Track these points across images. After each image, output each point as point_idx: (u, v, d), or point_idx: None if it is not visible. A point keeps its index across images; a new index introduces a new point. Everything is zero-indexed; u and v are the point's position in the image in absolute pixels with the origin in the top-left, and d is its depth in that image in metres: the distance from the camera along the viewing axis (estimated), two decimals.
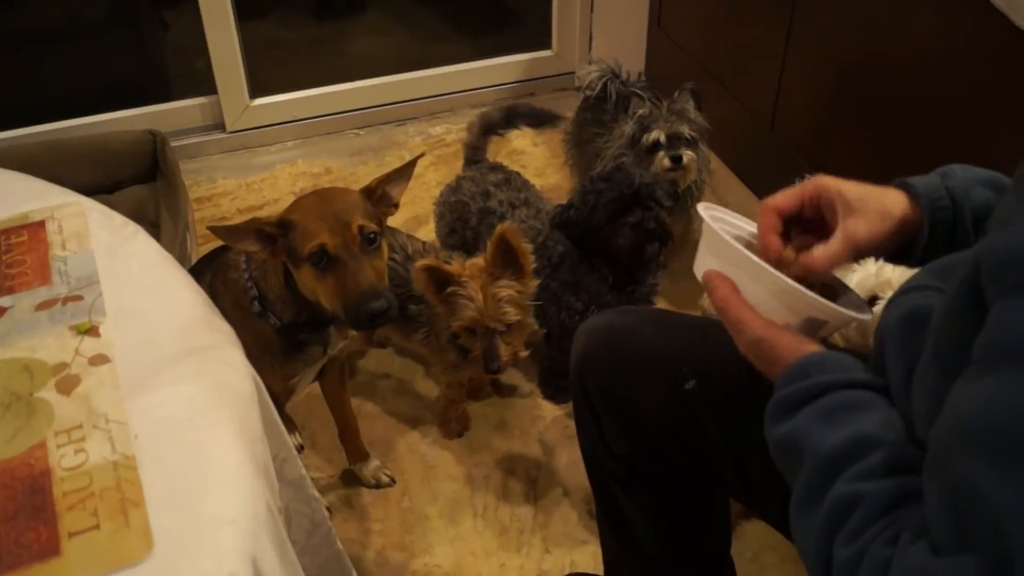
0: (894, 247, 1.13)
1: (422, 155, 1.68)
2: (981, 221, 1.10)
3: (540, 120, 2.55)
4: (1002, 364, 0.72)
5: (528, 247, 1.83)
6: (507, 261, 1.82)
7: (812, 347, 1.04)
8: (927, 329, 0.90)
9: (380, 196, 1.58)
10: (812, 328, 1.08)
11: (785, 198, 1.14)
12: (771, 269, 1.08)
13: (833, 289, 1.17)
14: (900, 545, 0.80)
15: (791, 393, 0.99)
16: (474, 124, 2.46)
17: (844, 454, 0.91)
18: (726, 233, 1.13)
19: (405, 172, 1.61)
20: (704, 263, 1.14)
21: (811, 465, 0.93)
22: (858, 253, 1.12)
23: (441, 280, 1.81)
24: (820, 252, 1.11)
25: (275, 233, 1.49)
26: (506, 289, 1.81)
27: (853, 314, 1.11)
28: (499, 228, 1.80)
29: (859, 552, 0.83)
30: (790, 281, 1.07)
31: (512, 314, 1.83)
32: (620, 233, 2.04)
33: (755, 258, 1.08)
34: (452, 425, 2.22)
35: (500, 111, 2.47)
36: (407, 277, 1.97)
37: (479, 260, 1.83)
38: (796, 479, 0.95)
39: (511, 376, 2.38)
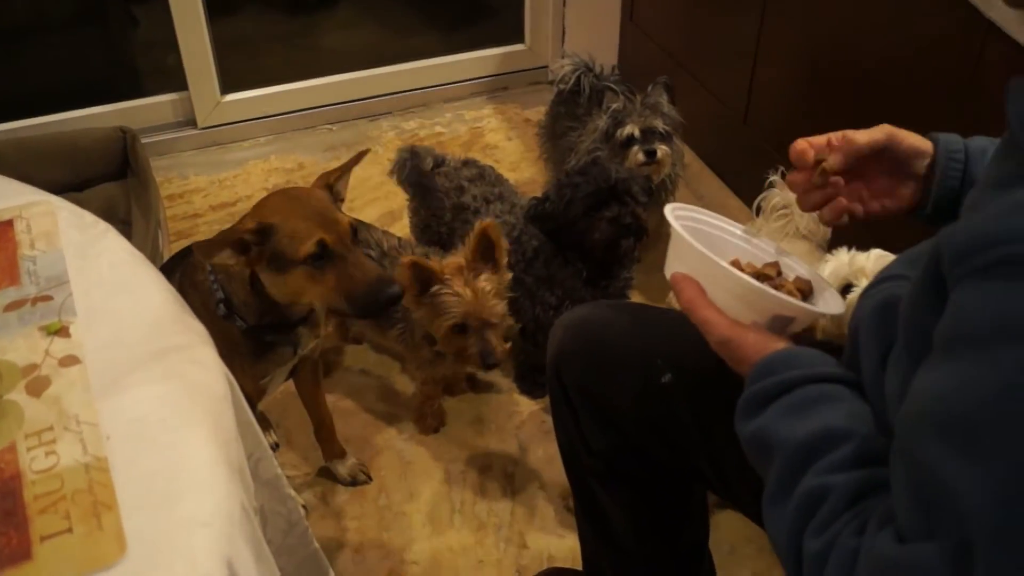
0: (914, 189, 1.19)
1: (367, 151, 1.69)
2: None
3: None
4: (960, 350, 0.73)
5: (506, 243, 1.84)
6: (485, 256, 1.83)
7: (778, 344, 1.06)
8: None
9: (335, 192, 1.59)
10: (780, 325, 1.10)
11: (814, 137, 1.19)
12: (733, 270, 1.10)
13: (807, 286, 1.19)
14: (867, 534, 0.81)
15: (759, 390, 1.01)
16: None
17: (812, 448, 0.93)
18: (695, 232, 1.16)
19: (350, 167, 1.62)
20: (672, 266, 1.17)
21: (780, 460, 0.95)
22: (894, 147, 1.17)
23: (424, 279, 1.81)
24: (859, 132, 1.17)
25: (253, 241, 1.47)
26: (489, 283, 1.82)
27: (818, 309, 1.13)
28: (480, 224, 1.81)
29: (828, 543, 0.85)
30: (753, 280, 1.10)
31: (501, 307, 1.84)
32: (596, 227, 2.05)
33: (718, 260, 1.10)
34: (428, 421, 2.22)
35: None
36: None
37: (457, 258, 1.83)
38: (768, 474, 0.96)
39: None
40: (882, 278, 1.08)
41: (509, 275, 1.89)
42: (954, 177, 1.15)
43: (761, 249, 1.27)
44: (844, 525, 0.85)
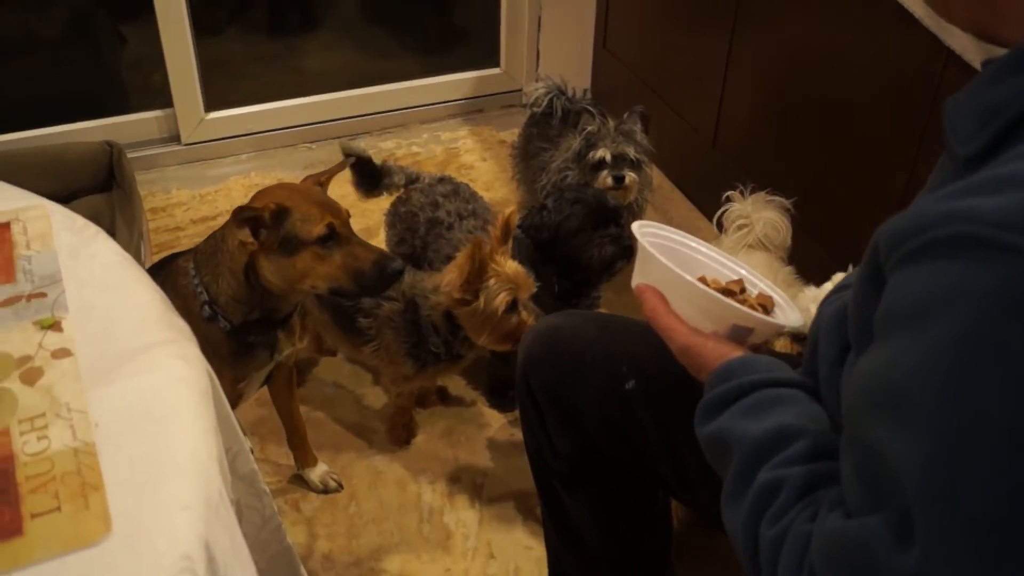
0: None
1: (352, 158, 1.78)
2: None
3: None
4: (891, 329, 0.77)
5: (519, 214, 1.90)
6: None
7: (736, 352, 1.09)
8: None
9: None
10: (741, 336, 1.13)
11: None
12: (695, 282, 1.14)
13: (769, 302, 1.23)
14: (819, 518, 0.84)
15: (718, 394, 1.04)
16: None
17: (767, 445, 0.96)
18: (662, 248, 1.20)
19: (336, 171, 1.71)
20: (638, 278, 1.21)
21: (738, 457, 0.97)
22: None
23: (480, 267, 1.83)
24: None
25: (267, 222, 1.54)
26: (518, 264, 1.86)
27: (775, 320, 1.17)
28: (504, 212, 1.86)
29: (783, 530, 0.88)
30: (713, 292, 1.14)
31: (532, 282, 1.87)
32: (599, 244, 2.10)
33: (680, 272, 1.14)
34: (399, 432, 2.25)
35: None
36: None
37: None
38: (726, 473, 0.99)
39: (456, 385, 2.42)
40: (842, 286, 1.12)
41: None
42: None
43: (727, 267, 1.31)
44: (798, 513, 0.88)
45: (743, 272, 1.30)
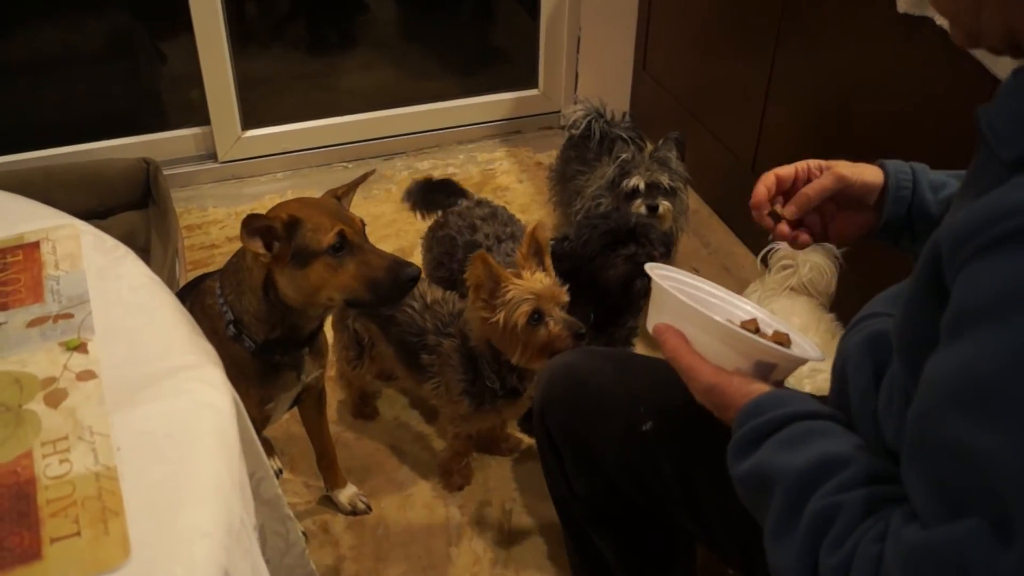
0: (869, 216, 1.23)
1: (372, 172, 1.77)
2: (937, 191, 1.20)
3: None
4: (968, 327, 0.75)
5: (551, 242, 1.87)
6: (536, 261, 1.84)
7: (762, 388, 1.07)
8: (890, 344, 0.93)
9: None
10: (763, 372, 1.11)
11: (782, 168, 1.24)
12: (717, 318, 1.12)
13: (785, 339, 1.20)
14: (891, 532, 0.81)
15: (750, 430, 1.01)
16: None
17: (814, 475, 0.93)
18: (676, 290, 1.18)
19: (356, 184, 1.71)
20: (654, 318, 1.19)
21: (781, 491, 0.94)
22: (846, 189, 1.22)
23: (492, 280, 1.81)
24: (810, 185, 1.21)
25: (280, 234, 1.54)
26: (547, 277, 1.83)
27: (800, 355, 1.14)
28: (530, 226, 1.84)
29: (847, 554, 0.85)
30: (736, 327, 1.12)
31: (565, 293, 1.83)
32: (612, 264, 2.07)
33: (701, 309, 1.12)
34: (455, 478, 2.20)
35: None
36: (424, 326, 1.99)
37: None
38: (767, 511, 0.96)
39: None
40: (863, 316, 1.09)
41: (555, 276, 1.87)
42: (903, 199, 1.20)
43: (739, 307, 1.30)
44: (861, 535, 0.85)
45: (756, 312, 1.29)
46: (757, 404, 1.04)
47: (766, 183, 1.24)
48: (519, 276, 1.81)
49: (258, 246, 1.53)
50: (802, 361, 1.15)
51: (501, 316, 1.80)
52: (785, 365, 1.14)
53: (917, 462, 0.80)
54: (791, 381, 1.24)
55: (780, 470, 0.96)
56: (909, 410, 0.82)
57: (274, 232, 1.53)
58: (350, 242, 1.57)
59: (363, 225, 1.62)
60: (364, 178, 1.73)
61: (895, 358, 0.90)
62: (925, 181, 1.21)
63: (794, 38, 2.55)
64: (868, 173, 1.23)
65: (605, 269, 2.09)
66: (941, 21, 1.87)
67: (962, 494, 0.74)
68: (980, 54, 1.84)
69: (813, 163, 1.24)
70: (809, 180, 1.23)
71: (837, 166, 1.22)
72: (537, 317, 1.80)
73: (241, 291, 1.63)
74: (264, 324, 1.64)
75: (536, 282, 1.80)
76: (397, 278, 1.58)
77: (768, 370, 1.12)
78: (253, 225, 1.51)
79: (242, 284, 1.62)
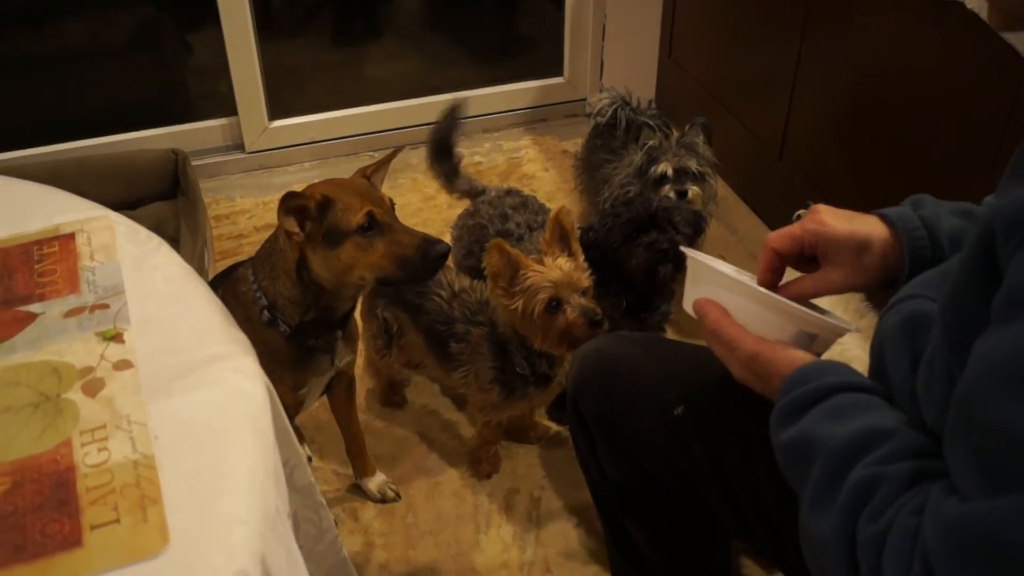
0: (879, 276, 1.17)
1: (402, 147, 1.78)
2: (957, 245, 1.14)
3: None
4: (1021, 309, 0.74)
5: (577, 230, 1.86)
6: (562, 246, 1.83)
7: (806, 357, 1.06)
8: (929, 325, 0.93)
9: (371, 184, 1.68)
10: (803, 343, 1.11)
11: (781, 241, 1.19)
12: (759, 288, 1.12)
13: (819, 310, 1.21)
14: (929, 505, 0.80)
15: (795, 398, 1.01)
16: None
17: (858, 445, 0.92)
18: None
19: (387, 161, 1.71)
20: (692, 294, 1.18)
21: (824, 460, 0.93)
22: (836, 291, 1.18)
23: (511, 267, 1.81)
24: (793, 286, 1.18)
25: (312, 214, 1.55)
26: (568, 263, 1.82)
27: (842, 325, 1.14)
28: (554, 211, 1.83)
29: (886, 525, 0.84)
30: (779, 297, 1.11)
31: (587, 277, 1.82)
32: (634, 253, 2.07)
33: (743, 278, 1.12)
34: (483, 466, 2.21)
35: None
36: (452, 315, 2.00)
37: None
38: (807, 480, 0.95)
39: None
40: (900, 298, 1.08)
41: (583, 260, 1.86)
42: (923, 247, 1.15)
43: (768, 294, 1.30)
44: (900, 507, 0.84)
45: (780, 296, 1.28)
46: (803, 372, 1.03)
47: (767, 261, 1.21)
48: (540, 262, 1.80)
49: (293, 224, 1.55)
50: (842, 332, 1.13)
51: (520, 303, 1.80)
52: (825, 336, 1.13)
53: (961, 438, 0.79)
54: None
55: (824, 439, 0.95)
56: (956, 388, 0.81)
57: (307, 212, 1.55)
58: (379, 222, 1.58)
59: (392, 204, 1.63)
60: (394, 154, 1.73)
61: (939, 339, 0.89)
62: (943, 236, 1.16)
63: (822, 24, 2.54)
64: (871, 236, 1.17)
65: (628, 258, 2.08)
66: (972, 5, 1.85)
67: (1006, 471, 0.73)
68: (1013, 38, 1.82)
69: (814, 227, 1.19)
70: (813, 246, 1.19)
71: (826, 268, 1.19)
72: (555, 304, 1.79)
73: (275, 275, 1.64)
74: (298, 307, 1.65)
75: (555, 268, 1.79)
76: (427, 255, 1.59)
77: (808, 341, 1.11)
78: (290, 203, 1.53)
79: (276, 267, 1.63)
